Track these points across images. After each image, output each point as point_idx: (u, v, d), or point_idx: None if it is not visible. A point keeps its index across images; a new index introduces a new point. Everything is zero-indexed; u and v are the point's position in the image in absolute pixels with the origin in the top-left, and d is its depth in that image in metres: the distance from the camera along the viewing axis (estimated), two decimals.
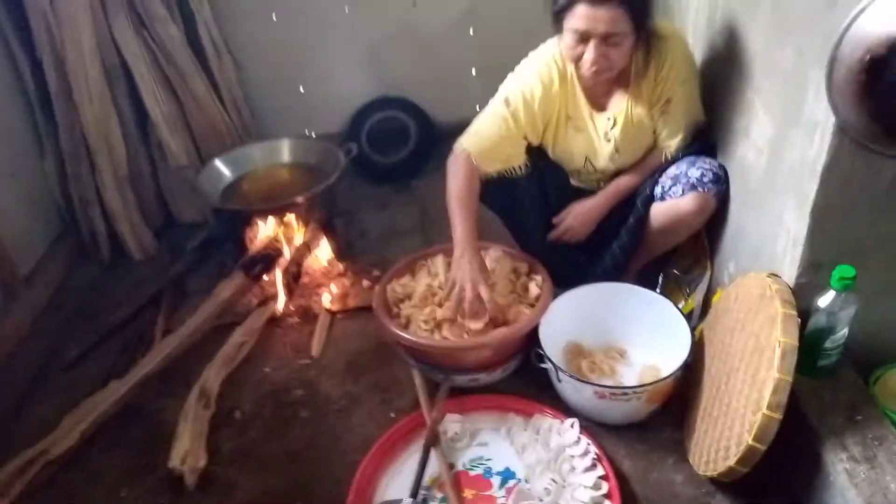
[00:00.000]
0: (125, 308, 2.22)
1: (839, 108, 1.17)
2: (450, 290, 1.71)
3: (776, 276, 1.41)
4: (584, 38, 1.56)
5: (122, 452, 1.74)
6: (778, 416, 1.23)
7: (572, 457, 1.52)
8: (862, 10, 1.10)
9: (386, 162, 2.79)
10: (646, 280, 1.89)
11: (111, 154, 2.37)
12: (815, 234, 1.30)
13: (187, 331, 1.95)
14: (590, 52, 1.57)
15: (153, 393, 1.88)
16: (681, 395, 1.63)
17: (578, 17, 1.53)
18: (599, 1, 1.49)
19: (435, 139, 2.86)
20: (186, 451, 1.64)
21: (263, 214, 2.24)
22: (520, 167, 1.83)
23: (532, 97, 1.74)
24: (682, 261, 1.88)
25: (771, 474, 1.38)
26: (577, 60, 1.62)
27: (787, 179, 1.37)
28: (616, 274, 1.86)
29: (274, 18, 2.69)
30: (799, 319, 1.30)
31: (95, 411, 1.77)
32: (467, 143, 1.80)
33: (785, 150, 1.38)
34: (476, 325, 1.68)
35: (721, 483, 1.44)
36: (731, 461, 1.29)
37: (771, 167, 1.46)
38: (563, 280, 1.84)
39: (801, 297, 1.35)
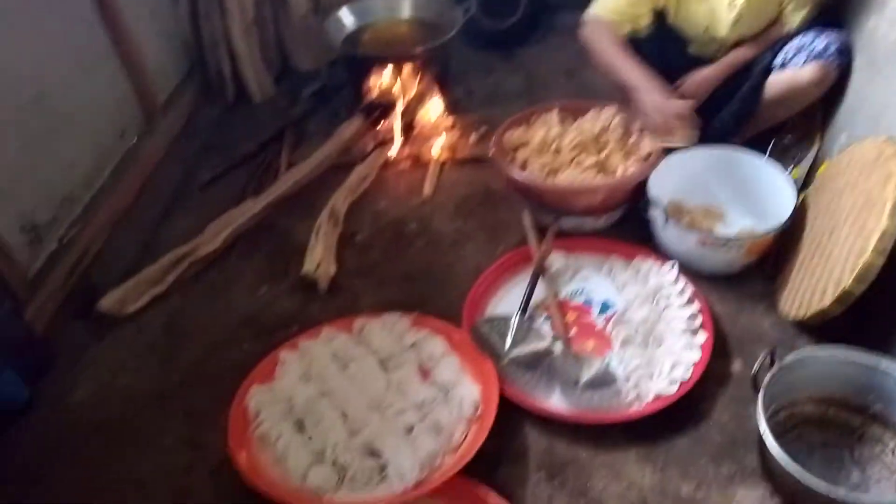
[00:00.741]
0: (251, 142, 2.41)
1: None
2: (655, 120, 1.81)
3: (893, 139, 1.47)
4: None
5: (259, 260, 1.97)
6: (881, 260, 1.33)
7: (669, 295, 1.66)
8: None
9: (494, 28, 2.83)
10: (755, 149, 1.95)
11: None
12: None
13: (314, 162, 2.13)
14: None
15: (283, 214, 2.09)
16: (776, 255, 1.74)
17: None
18: None
19: (544, 8, 2.89)
20: (319, 259, 1.84)
21: (383, 63, 2.36)
22: (645, 28, 1.90)
23: None
24: (793, 132, 1.94)
25: (856, 324, 1.50)
26: None
27: None
28: (725, 139, 1.93)
29: None
30: None
31: (235, 223, 1.99)
32: (599, 9, 1.89)
33: None
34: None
35: (808, 328, 1.57)
36: (828, 301, 1.40)
37: None
38: None
39: None
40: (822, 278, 1.47)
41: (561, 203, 1.82)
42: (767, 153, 1.91)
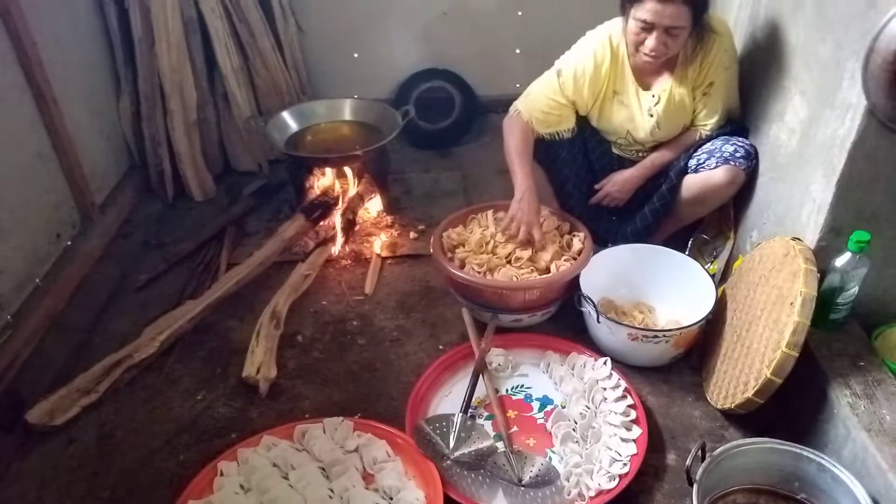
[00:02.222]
0: (190, 241, 2.41)
1: (871, 92, 1.36)
2: (507, 224, 1.94)
3: (799, 239, 1.60)
4: (648, 28, 1.76)
5: (197, 363, 1.94)
6: (795, 353, 1.43)
7: (604, 388, 1.72)
8: None
9: (431, 129, 2.97)
10: (674, 247, 2.08)
11: (183, 100, 2.55)
12: (838, 202, 1.50)
13: (255, 262, 2.15)
14: (652, 41, 1.77)
15: (223, 315, 2.08)
16: (702, 347, 1.83)
17: (647, 10, 1.73)
18: None
19: (477, 111, 3.06)
20: (260, 363, 1.83)
21: (324, 164, 2.43)
22: (567, 131, 2.04)
23: (583, 72, 1.94)
24: (708, 230, 2.08)
25: (779, 411, 1.59)
26: (639, 45, 1.82)
27: (817, 155, 1.57)
28: (645, 236, 2.07)
29: None
30: (818, 275, 1.50)
31: (173, 325, 1.96)
32: (522, 106, 2.02)
33: (817, 129, 1.58)
34: (524, 254, 1.93)
35: (734, 417, 1.65)
36: (749, 393, 1.49)
37: (802, 145, 1.66)
38: (599, 239, 2.04)
39: (820, 258, 1.55)
40: (745, 370, 1.56)
41: (499, 300, 1.89)
42: (687, 250, 2.04)
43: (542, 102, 1.98)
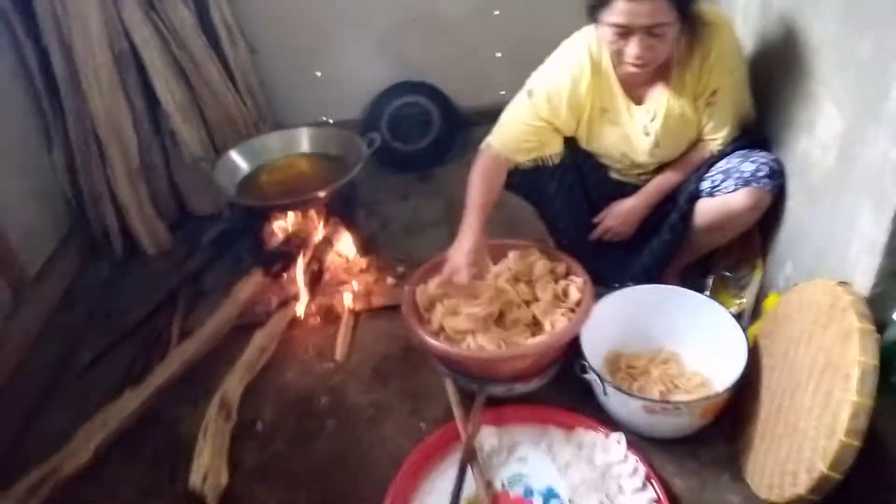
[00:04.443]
0: (140, 308, 2.12)
1: None
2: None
3: (847, 284, 1.29)
4: (624, 32, 1.45)
5: (140, 467, 1.66)
6: (857, 443, 1.12)
7: (620, 475, 1.42)
8: None
9: (407, 150, 2.67)
10: (690, 281, 1.77)
11: (122, 145, 2.27)
12: (895, 240, 1.18)
13: (206, 334, 1.87)
14: (633, 48, 1.45)
15: (171, 400, 1.79)
16: (735, 407, 1.52)
17: (618, 12, 1.41)
18: None
19: (458, 125, 2.75)
20: (207, 469, 1.55)
21: (281, 210, 2.13)
22: (554, 156, 1.74)
23: (558, 91, 1.63)
24: (729, 258, 1.76)
25: (841, 501, 1.28)
26: (619, 55, 1.50)
27: (863, 180, 1.25)
28: (656, 273, 1.76)
29: None
30: (877, 333, 1.19)
31: (109, 424, 1.69)
32: (492, 135, 1.72)
33: (860, 147, 1.26)
34: (474, 309, 1.64)
35: None
36: (802, 489, 1.19)
37: (841, 165, 1.34)
38: (603, 278, 1.73)
39: (876, 307, 1.23)
40: (793, 455, 1.25)
41: (484, 371, 1.59)
42: (708, 289, 1.72)
43: (516, 129, 1.67)
